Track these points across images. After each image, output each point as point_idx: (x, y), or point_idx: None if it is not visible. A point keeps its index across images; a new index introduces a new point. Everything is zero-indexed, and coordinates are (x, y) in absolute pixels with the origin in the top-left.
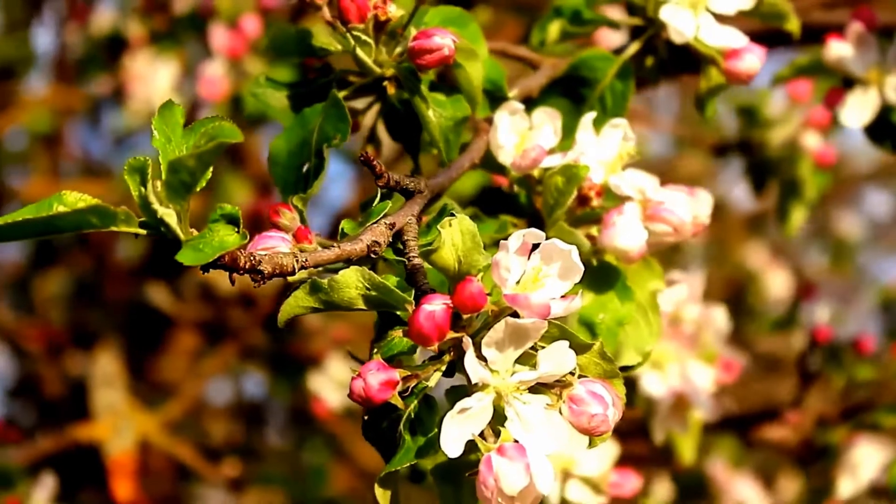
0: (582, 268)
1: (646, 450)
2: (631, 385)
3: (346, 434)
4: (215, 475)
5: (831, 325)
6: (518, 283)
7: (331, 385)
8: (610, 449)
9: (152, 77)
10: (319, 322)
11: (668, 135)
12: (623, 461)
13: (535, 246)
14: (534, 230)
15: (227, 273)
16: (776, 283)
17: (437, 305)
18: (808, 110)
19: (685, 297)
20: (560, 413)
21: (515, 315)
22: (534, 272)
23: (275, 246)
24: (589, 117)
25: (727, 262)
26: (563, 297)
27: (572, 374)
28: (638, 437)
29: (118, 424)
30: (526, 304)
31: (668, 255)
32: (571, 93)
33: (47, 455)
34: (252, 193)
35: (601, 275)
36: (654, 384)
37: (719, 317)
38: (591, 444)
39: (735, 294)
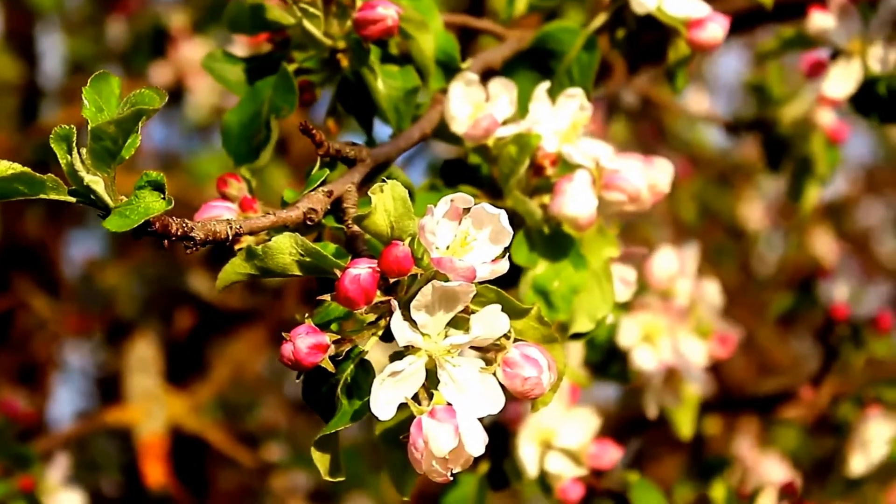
0: (511, 231)
1: None
2: (623, 359)
3: None
4: (248, 459)
5: (849, 304)
6: (448, 247)
7: None
8: (590, 421)
9: None
10: None
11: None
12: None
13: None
14: (462, 195)
15: (158, 240)
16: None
17: (362, 269)
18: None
19: (676, 271)
20: (495, 376)
21: (447, 279)
22: (462, 236)
23: (219, 215)
24: (542, 87)
25: (803, 250)
26: (493, 260)
27: (507, 337)
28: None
29: (151, 408)
30: (451, 267)
31: (737, 242)
32: (539, 65)
33: (75, 438)
34: (291, 180)
35: (556, 243)
36: (646, 358)
37: (712, 291)
38: (533, 408)
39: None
